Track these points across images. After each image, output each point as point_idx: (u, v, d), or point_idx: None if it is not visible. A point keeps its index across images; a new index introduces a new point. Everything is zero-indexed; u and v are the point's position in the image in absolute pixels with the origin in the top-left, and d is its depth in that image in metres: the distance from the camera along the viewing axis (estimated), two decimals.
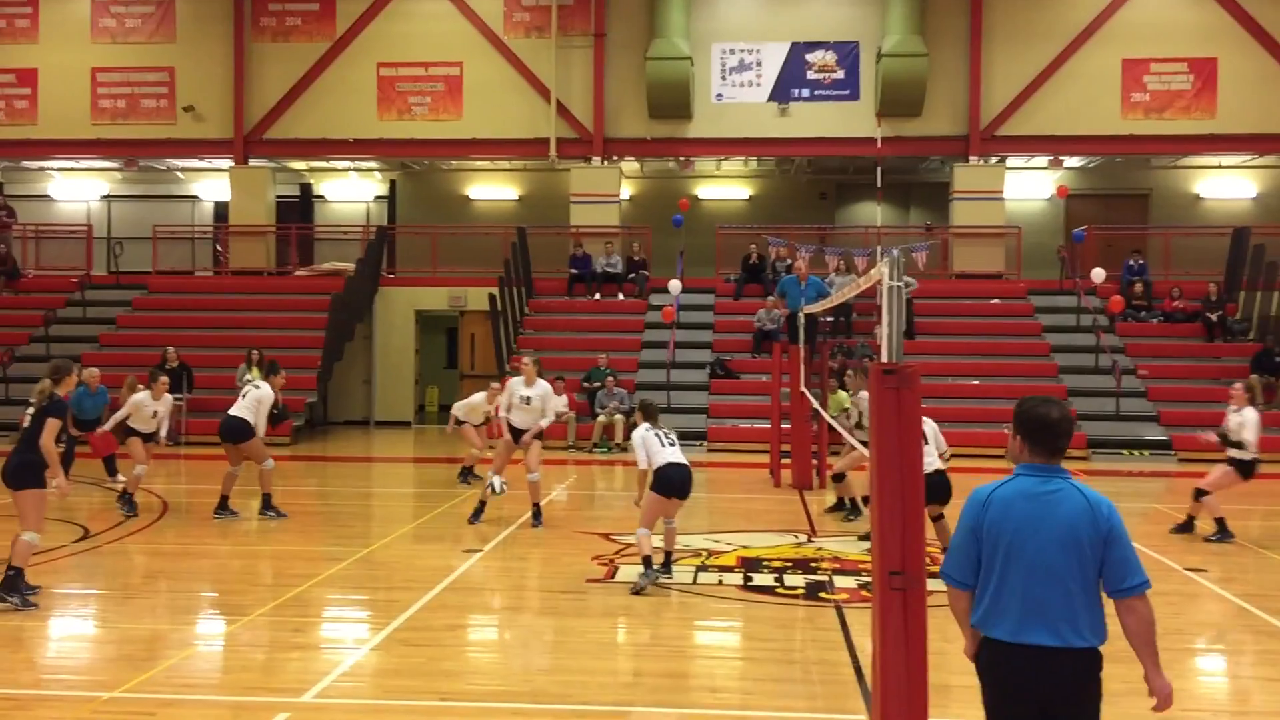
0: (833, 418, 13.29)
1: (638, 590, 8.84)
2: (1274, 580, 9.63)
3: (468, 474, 14.90)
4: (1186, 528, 11.55)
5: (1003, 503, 3.88)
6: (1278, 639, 7.86)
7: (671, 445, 9.12)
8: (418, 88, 25.03)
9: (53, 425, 8.31)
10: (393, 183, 27.65)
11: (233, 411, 12.15)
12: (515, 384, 11.79)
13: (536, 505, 11.86)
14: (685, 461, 9.11)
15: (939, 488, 9.72)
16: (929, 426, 9.78)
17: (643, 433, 9.20)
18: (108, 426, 12.75)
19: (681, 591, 9.06)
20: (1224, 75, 23.50)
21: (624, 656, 7.58)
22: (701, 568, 9.84)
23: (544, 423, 11.66)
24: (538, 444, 11.79)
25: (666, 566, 9.33)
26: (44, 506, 8.48)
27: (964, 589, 3.97)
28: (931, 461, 9.38)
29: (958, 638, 7.94)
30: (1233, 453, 11.31)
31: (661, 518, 9.23)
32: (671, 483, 8.96)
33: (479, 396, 14.94)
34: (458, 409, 14.97)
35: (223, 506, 12.20)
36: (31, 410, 8.40)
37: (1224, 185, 25.61)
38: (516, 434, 11.74)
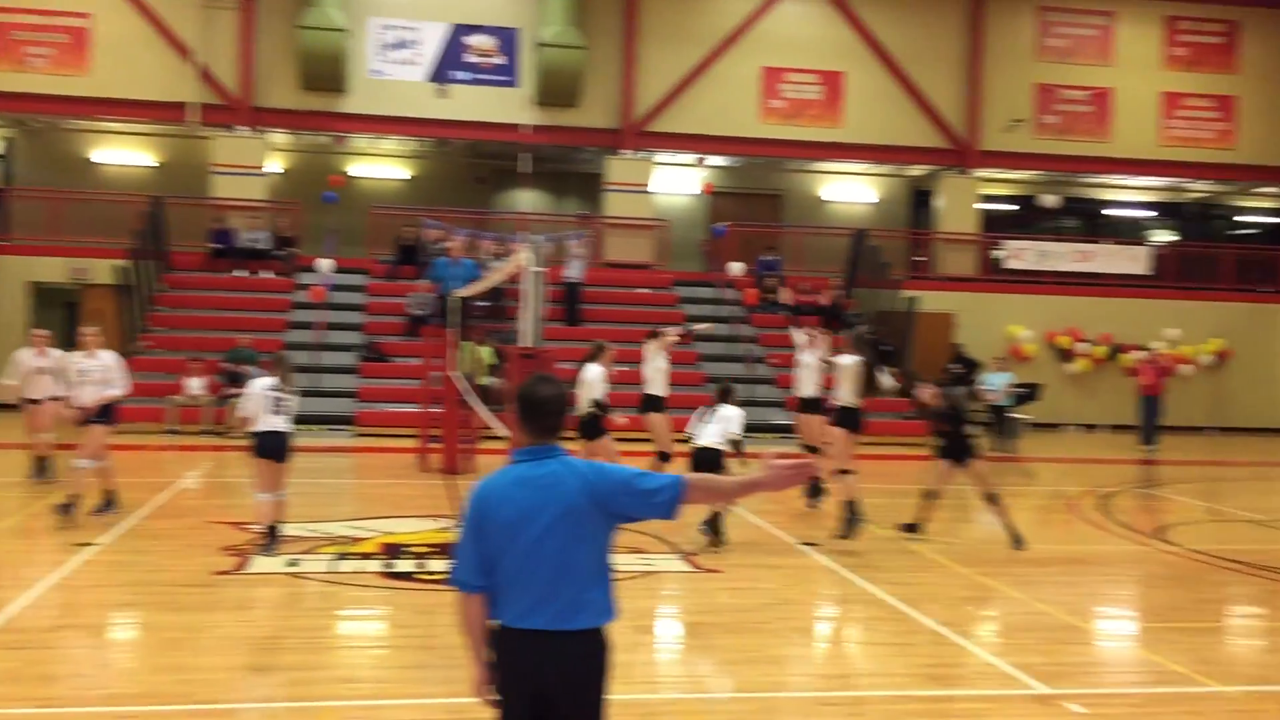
0: (466, 376, 13.49)
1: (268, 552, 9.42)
2: (877, 552, 10.57)
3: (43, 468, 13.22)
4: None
5: (501, 493, 3.71)
6: (878, 606, 8.62)
7: (278, 414, 9.48)
8: (37, 37, 22.75)
9: None
10: (8, 140, 24.98)
11: None
12: (73, 356, 11.16)
13: (106, 492, 10.89)
14: (284, 430, 9.52)
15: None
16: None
17: (260, 388, 9.51)
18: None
19: (320, 581, 8.77)
20: (850, 89, 25.54)
21: (254, 651, 7.23)
22: (342, 555, 9.57)
23: (111, 393, 10.71)
24: (99, 430, 10.70)
25: (273, 538, 9.54)
26: None
27: (474, 591, 3.73)
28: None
29: None
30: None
31: (271, 489, 9.59)
32: (262, 448, 9.50)
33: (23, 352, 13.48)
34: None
35: None
36: None
37: (847, 190, 27.88)
38: (93, 415, 10.76)
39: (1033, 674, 6.83)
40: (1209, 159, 26.75)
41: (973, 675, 6.96)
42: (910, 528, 11.05)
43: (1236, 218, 30.28)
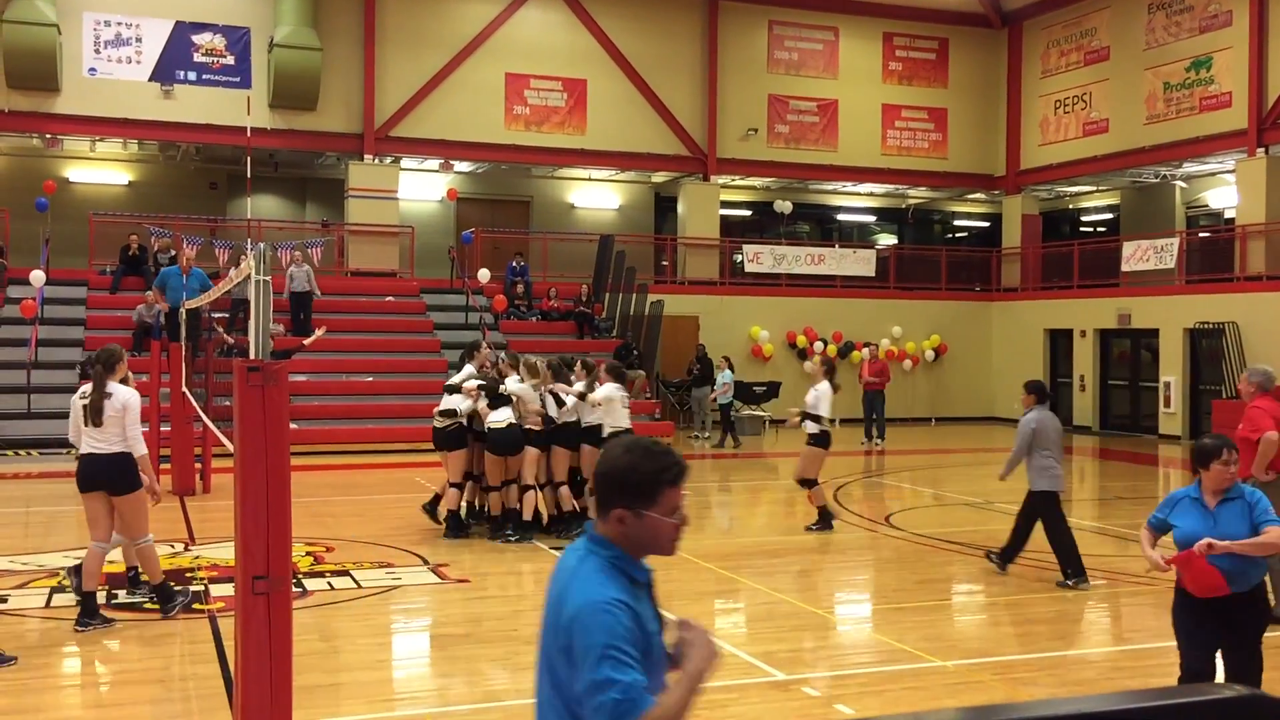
0: None
1: None
2: None
3: None
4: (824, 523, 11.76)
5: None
6: None
7: None
8: None
9: None
10: None
11: None
12: None
13: None
14: None
15: None
16: None
17: None
18: None
19: (36, 618, 8.13)
20: (593, 96, 25.89)
21: None
22: (58, 589, 8.90)
23: None
24: None
25: None
26: None
27: None
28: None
29: (334, 636, 7.96)
30: (809, 428, 11.66)
31: None
32: None
33: None
34: None
35: None
36: None
37: (593, 196, 28.25)
38: None
39: (772, 662, 7.11)
40: (925, 167, 28.67)
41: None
42: None
43: (953, 222, 32.61)
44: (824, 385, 11.67)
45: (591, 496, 11.07)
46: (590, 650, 2.51)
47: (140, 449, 7.94)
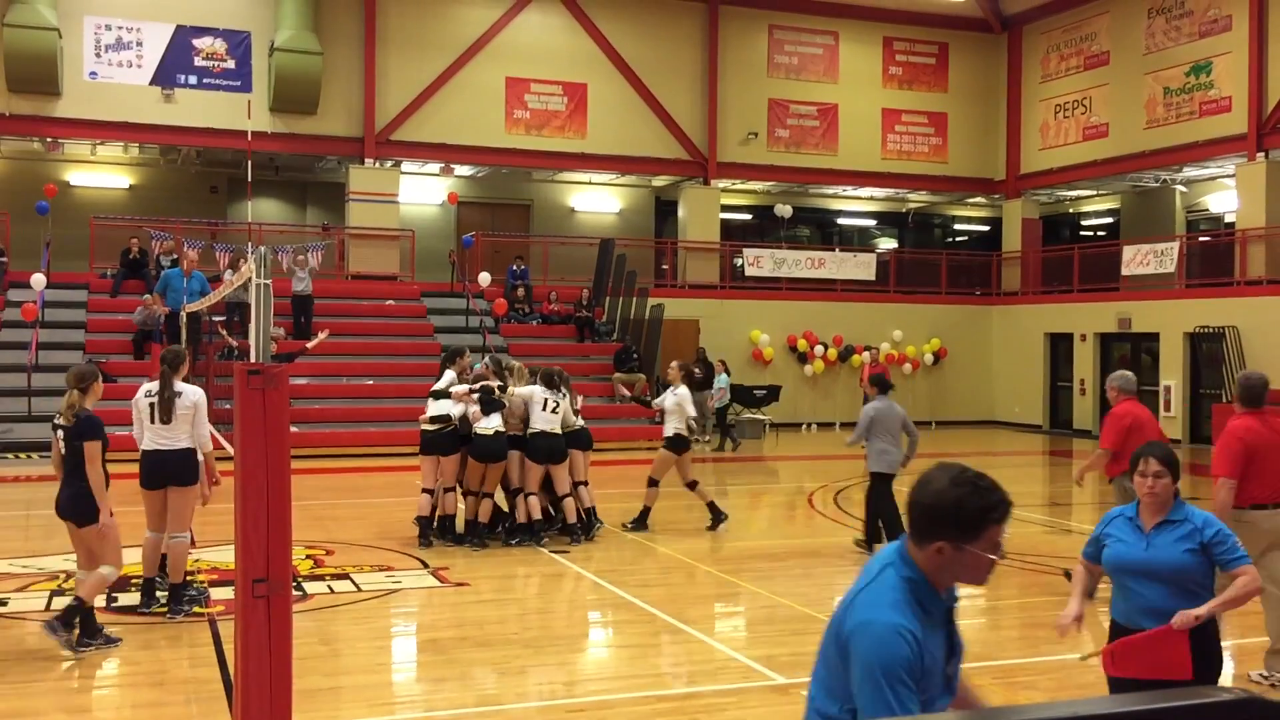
0: None
1: None
2: (625, 557, 10.74)
3: None
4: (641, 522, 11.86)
5: None
6: (628, 610, 8.76)
7: None
8: None
9: (94, 450, 7.23)
10: None
11: None
12: None
13: None
14: None
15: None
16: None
17: None
18: None
19: (39, 621, 8.11)
20: (593, 100, 25.91)
21: None
22: (58, 591, 8.91)
23: None
24: None
25: None
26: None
27: None
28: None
29: (334, 640, 7.96)
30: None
31: None
32: None
33: None
34: None
35: None
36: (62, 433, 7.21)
37: (593, 199, 28.27)
38: None
39: (772, 666, 7.11)
40: (925, 171, 28.69)
41: (715, 671, 7.17)
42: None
43: (954, 226, 32.61)
44: (682, 389, 11.83)
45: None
46: (870, 671, 2.54)
47: (208, 446, 8.18)
